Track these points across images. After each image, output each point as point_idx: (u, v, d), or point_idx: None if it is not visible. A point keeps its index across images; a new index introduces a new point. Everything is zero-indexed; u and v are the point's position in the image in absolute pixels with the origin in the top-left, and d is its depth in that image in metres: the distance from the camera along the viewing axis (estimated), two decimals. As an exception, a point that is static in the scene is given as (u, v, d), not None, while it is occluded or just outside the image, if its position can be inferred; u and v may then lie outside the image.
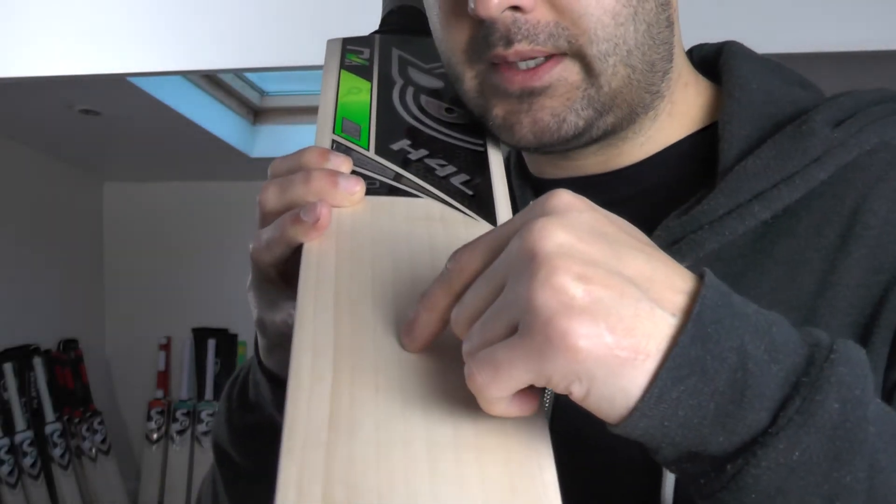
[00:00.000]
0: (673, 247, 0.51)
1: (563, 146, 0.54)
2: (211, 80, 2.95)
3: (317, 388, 0.37)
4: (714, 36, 0.64)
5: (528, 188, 0.62)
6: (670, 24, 0.54)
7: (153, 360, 3.67)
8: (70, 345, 3.42)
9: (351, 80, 0.60)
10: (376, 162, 0.52)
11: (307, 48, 1.98)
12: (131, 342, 3.67)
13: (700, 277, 0.35)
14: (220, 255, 3.54)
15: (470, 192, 0.51)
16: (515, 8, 0.49)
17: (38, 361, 3.20)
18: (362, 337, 0.40)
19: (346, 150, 0.53)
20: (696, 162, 0.56)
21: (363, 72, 0.61)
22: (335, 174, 0.48)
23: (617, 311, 0.33)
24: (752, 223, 0.51)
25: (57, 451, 3.14)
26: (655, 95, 0.55)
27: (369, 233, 0.47)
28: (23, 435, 3.03)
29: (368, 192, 0.49)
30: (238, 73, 3.00)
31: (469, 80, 0.54)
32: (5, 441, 2.96)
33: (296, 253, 0.47)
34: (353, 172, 0.50)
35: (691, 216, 0.51)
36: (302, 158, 0.50)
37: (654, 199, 0.55)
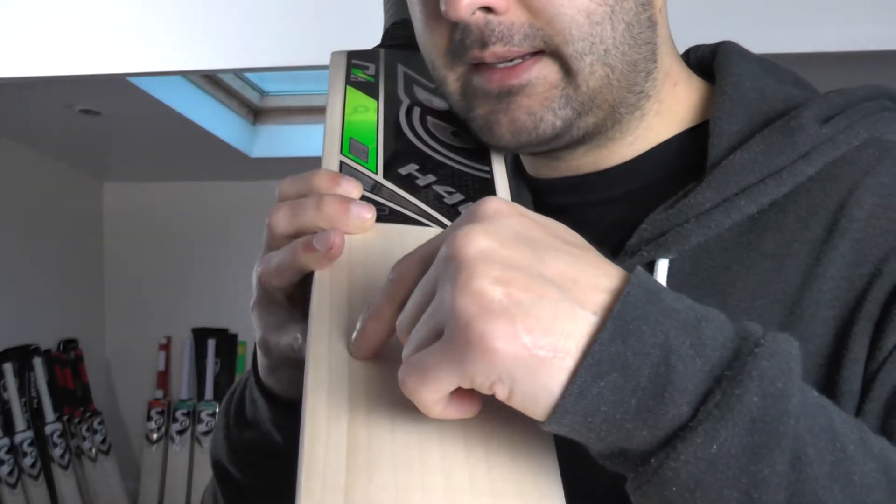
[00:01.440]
0: (659, 239, 0.52)
1: (543, 146, 0.54)
2: (211, 80, 2.95)
3: (334, 429, 0.37)
4: (711, 36, 0.64)
5: (524, 188, 0.62)
6: (653, 24, 0.54)
7: (153, 360, 3.67)
8: (70, 345, 3.42)
9: (357, 97, 0.60)
10: (384, 187, 0.52)
11: (307, 48, 1.98)
12: (131, 342, 3.67)
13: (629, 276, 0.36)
14: (220, 255, 3.54)
15: None
16: (488, 9, 0.49)
17: (38, 361, 3.20)
18: (377, 373, 0.40)
19: (354, 173, 0.52)
20: (687, 158, 0.56)
21: (369, 89, 0.61)
22: (347, 200, 0.48)
23: (535, 311, 0.34)
24: (739, 217, 0.51)
25: (57, 451, 3.14)
26: (640, 95, 0.55)
27: (381, 263, 0.46)
28: (23, 435, 3.03)
29: (378, 218, 0.49)
30: (238, 73, 3.01)
31: (452, 82, 0.54)
32: (5, 441, 2.96)
33: (305, 277, 0.48)
34: (362, 197, 0.50)
35: (678, 209, 0.52)
36: (312, 182, 0.49)
37: (647, 196, 0.56)
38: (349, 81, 0.61)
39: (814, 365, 0.48)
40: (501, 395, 0.35)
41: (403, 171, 0.54)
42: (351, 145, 0.55)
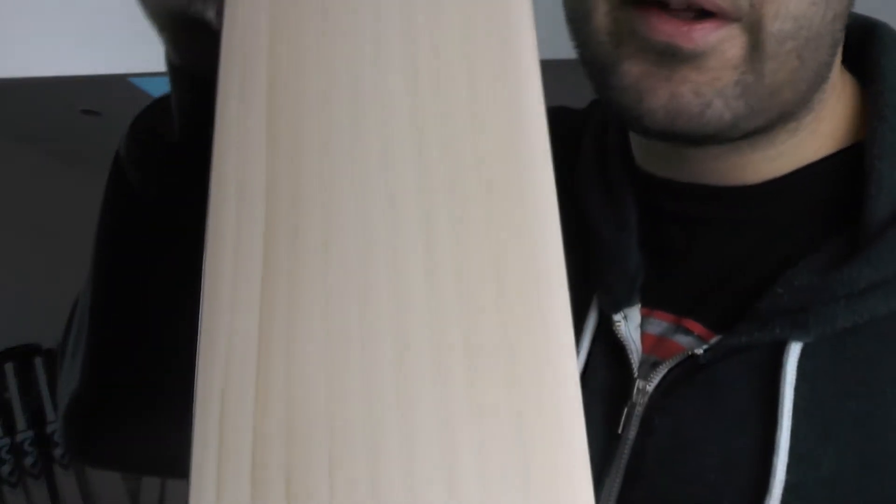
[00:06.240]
0: (798, 315, 0.42)
1: (697, 141, 0.43)
2: (211, 81, 2.95)
3: (244, 257, 0.26)
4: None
5: (626, 183, 0.51)
6: (845, 27, 0.43)
7: (153, 359, 3.67)
8: (70, 345, 3.42)
9: None
10: None
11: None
12: (131, 342, 3.67)
13: None
14: (221, 254, 3.54)
15: None
16: None
17: (38, 361, 3.20)
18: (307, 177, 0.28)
19: None
20: (836, 190, 0.45)
21: None
22: None
23: None
24: None
25: (58, 451, 3.15)
26: (803, 106, 0.44)
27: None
28: (23, 435, 3.04)
29: None
30: (238, 73, 3.00)
31: (601, 15, 0.42)
32: (6, 441, 2.96)
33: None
34: None
35: (825, 283, 0.42)
36: None
37: (783, 230, 0.46)
38: None
39: None
40: None
41: None
42: None
